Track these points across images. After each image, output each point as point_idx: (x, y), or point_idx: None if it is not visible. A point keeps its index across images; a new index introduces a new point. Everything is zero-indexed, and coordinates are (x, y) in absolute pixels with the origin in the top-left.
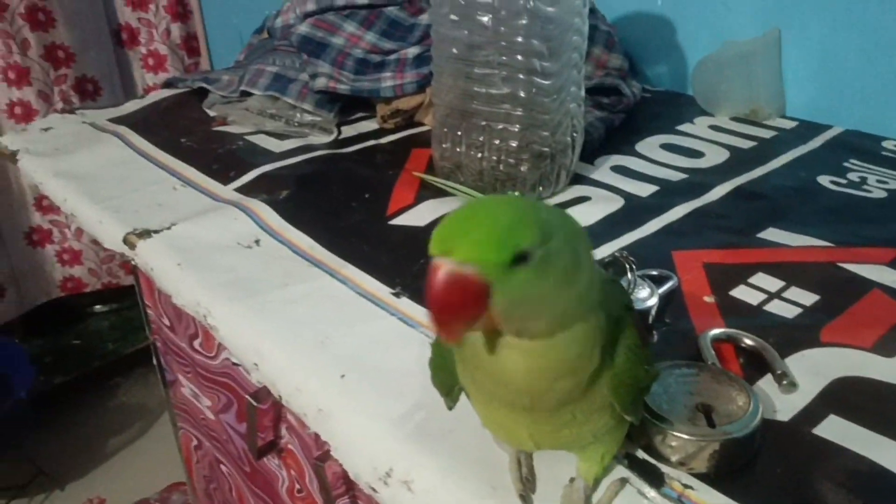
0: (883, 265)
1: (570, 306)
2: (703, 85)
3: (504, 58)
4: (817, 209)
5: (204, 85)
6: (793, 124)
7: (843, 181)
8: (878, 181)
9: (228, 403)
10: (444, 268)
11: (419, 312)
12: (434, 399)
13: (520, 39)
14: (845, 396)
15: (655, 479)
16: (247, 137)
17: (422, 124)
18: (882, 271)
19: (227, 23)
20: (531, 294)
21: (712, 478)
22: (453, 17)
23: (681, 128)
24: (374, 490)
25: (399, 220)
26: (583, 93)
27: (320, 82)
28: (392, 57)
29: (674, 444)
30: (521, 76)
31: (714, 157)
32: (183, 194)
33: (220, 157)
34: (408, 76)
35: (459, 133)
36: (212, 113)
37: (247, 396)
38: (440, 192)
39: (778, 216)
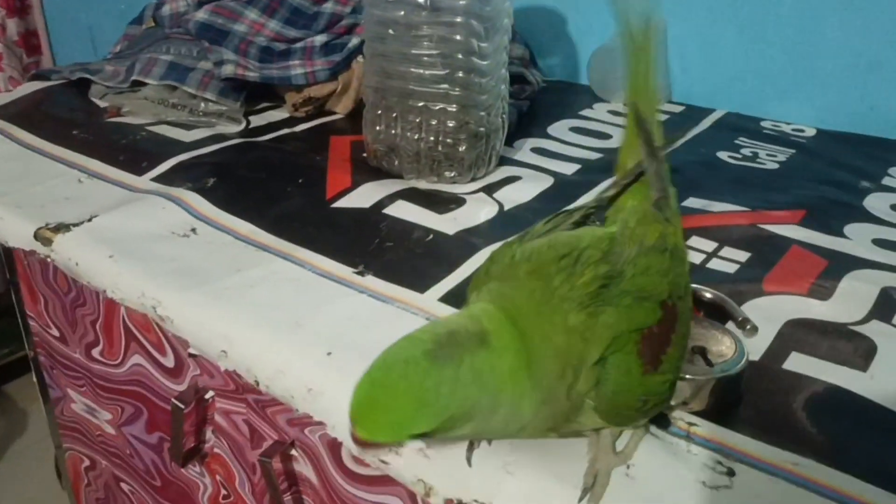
0: (794, 225)
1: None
2: (598, 73)
3: (443, 38)
4: (725, 180)
5: (85, 75)
6: (681, 108)
7: (739, 156)
8: (768, 155)
9: (136, 414)
10: (355, 436)
11: (388, 288)
12: None
13: (459, 20)
14: (798, 336)
15: (661, 420)
16: (148, 128)
17: (333, 112)
18: (796, 230)
19: (73, 18)
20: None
21: (710, 414)
22: None
23: (583, 113)
24: (384, 462)
25: (341, 204)
26: (508, 76)
27: (228, 69)
28: (298, 45)
29: (679, 384)
30: (460, 56)
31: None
32: (91, 186)
33: (125, 148)
34: (318, 64)
35: (395, 115)
36: (102, 104)
37: (173, 400)
38: (376, 174)
39: (693, 187)
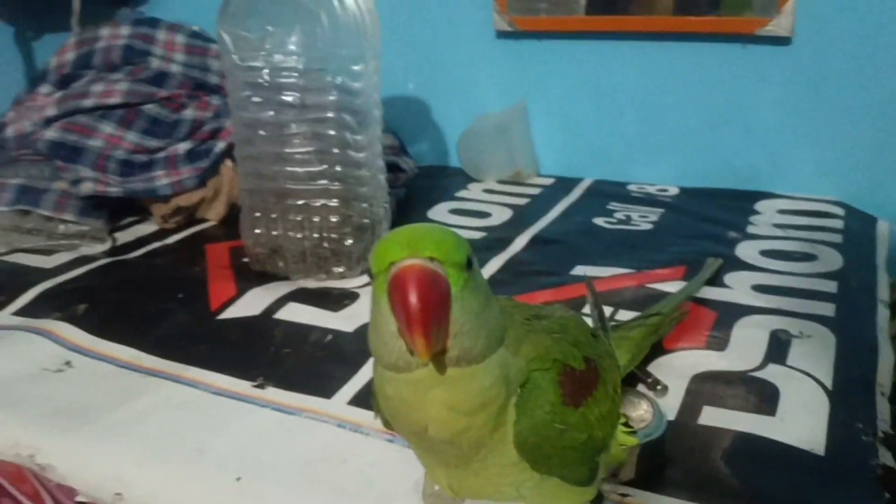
0: (678, 280)
1: (496, 328)
2: (468, 155)
3: (316, 135)
4: (606, 244)
5: None
6: (551, 181)
7: (614, 220)
8: (640, 216)
9: None
10: (417, 265)
11: (292, 398)
12: (353, 479)
13: (330, 115)
14: (706, 389)
15: (596, 499)
16: (2, 259)
17: (205, 220)
18: (681, 285)
19: None
20: (475, 305)
21: (639, 482)
22: (256, 99)
23: (459, 194)
24: None
25: (228, 314)
26: (384, 166)
27: (87, 187)
28: (161, 155)
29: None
30: (336, 151)
31: (500, 215)
32: None
33: None
34: (184, 172)
35: (275, 216)
36: None
37: None
38: (261, 279)
39: (578, 255)
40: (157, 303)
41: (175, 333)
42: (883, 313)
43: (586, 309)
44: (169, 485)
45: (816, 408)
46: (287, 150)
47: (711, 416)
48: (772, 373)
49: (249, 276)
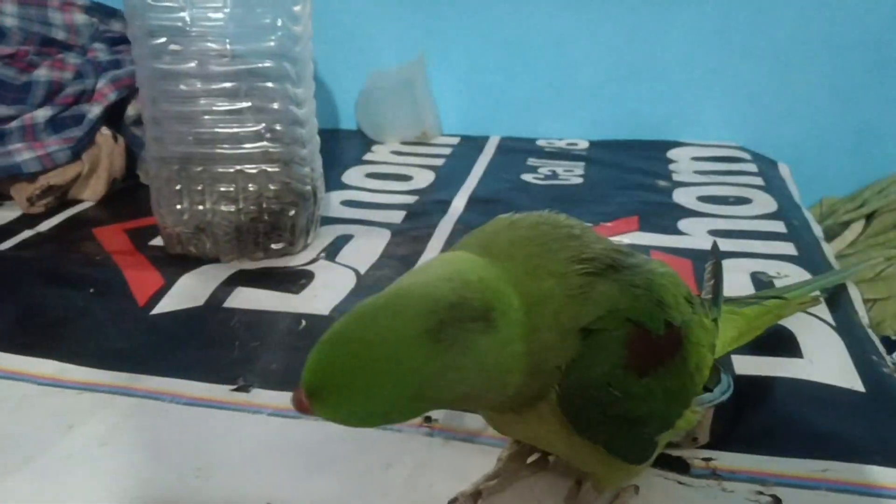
0: (636, 231)
1: None
2: (369, 115)
3: (254, 88)
4: (545, 200)
5: None
6: (456, 140)
7: (541, 176)
8: (565, 171)
9: None
10: (304, 405)
11: (281, 399)
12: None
13: (269, 64)
14: None
15: (680, 465)
16: None
17: (78, 200)
18: (641, 236)
19: None
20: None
21: (716, 443)
22: (174, 47)
23: (367, 157)
24: None
25: (163, 308)
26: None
27: None
28: (14, 125)
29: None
30: (276, 106)
31: (423, 177)
32: None
33: None
34: (51, 144)
35: (200, 187)
36: None
37: None
38: (184, 264)
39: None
40: (63, 302)
41: (102, 337)
42: (828, 249)
43: None
44: None
45: (834, 345)
46: (216, 108)
47: (746, 366)
48: None
49: (169, 262)
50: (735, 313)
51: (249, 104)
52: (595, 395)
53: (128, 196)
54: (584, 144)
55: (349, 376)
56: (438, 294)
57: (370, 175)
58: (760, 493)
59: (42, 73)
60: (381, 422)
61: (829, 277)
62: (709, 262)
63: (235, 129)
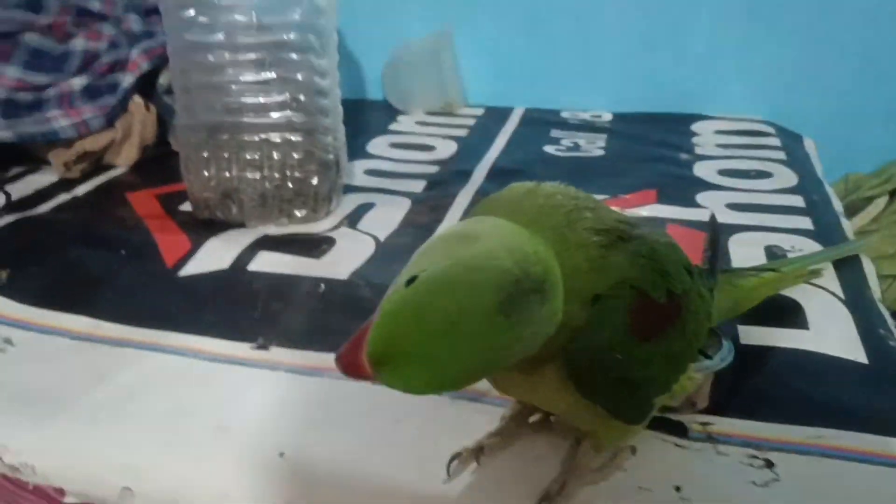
0: (654, 204)
1: None
2: (395, 86)
3: (279, 59)
4: (566, 172)
5: None
6: (480, 111)
7: (563, 148)
8: (588, 143)
9: None
10: (366, 372)
11: (307, 357)
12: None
13: (293, 36)
14: None
15: (678, 428)
16: None
17: (112, 166)
18: (659, 209)
19: None
20: None
21: (714, 410)
22: (202, 19)
23: (392, 128)
24: None
25: (190, 270)
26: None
27: None
28: (51, 93)
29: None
30: (300, 77)
31: (445, 148)
32: None
33: None
34: (86, 111)
35: (227, 155)
36: None
37: None
38: (211, 228)
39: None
40: (98, 262)
41: (133, 296)
42: (847, 224)
43: None
44: (194, 468)
45: (842, 318)
46: (242, 79)
47: (750, 335)
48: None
49: (197, 226)
50: (732, 284)
51: (275, 75)
52: (599, 359)
53: (159, 162)
54: (608, 116)
55: (427, 346)
56: (505, 267)
57: (394, 145)
58: (754, 456)
59: (78, 43)
60: (445, 390)
61: (830, 252)
62: (707, 234)
63: (261, 100)
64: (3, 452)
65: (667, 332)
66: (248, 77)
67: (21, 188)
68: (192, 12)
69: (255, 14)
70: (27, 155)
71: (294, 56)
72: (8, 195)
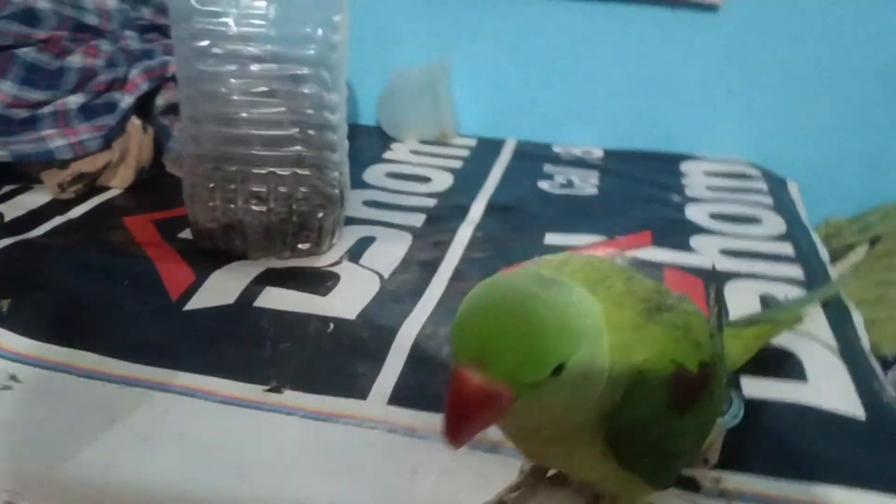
0: (650, 247)
1: (590, 396)
2: (390, 113)
3: (290, 93)
4: (562, 211)
5: None
6: (473, 142)
7: (557, 185)
8: (580, 180)
9: None
10: (474, 384)
11: (321, 403)
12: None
13: (307, 71)
14: None
15: (691, 484)
16: None
17: (106, 187)
18: (655, 252)
19: None
20: (553, 403)
21: (724, 464)
22: (216, 50)
23: (386, 156)
24: None
25: (195, 304)
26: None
27: None
28: (46, 110)
29: None
30: (310, 111)
31: (442, 179)
32: None
33: None
34: (83, 132)
35: (233, 186)
36: None
37: None
38: (213, 259)
39: (540, 222)
40: (101, 293)
41: (139, 331)
42: (834, 274)
43: None
44: None
45: (838, 371)
46: (253, 111)
47: (754, 389)
48: (782, 339)
49: (198, 256)
50: (734, 336)
51: (285, 109)
52: (643, 431)
53: (154, 185)
54: (598, 153)
55: (512, 322)
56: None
57: (390, 175)
58: None
59: (75, 60)
60: (549, 368)
61: (814, 295)
62: (711, 289)
63: (270, 133)
64: (16, 499)
65: (700, 401)
66: (259, 110)
67: (13, 208)
68: (205, 43)
69: (268, 47)
70: (17, 171)
71: (305, 91)
72: (1, 215)
